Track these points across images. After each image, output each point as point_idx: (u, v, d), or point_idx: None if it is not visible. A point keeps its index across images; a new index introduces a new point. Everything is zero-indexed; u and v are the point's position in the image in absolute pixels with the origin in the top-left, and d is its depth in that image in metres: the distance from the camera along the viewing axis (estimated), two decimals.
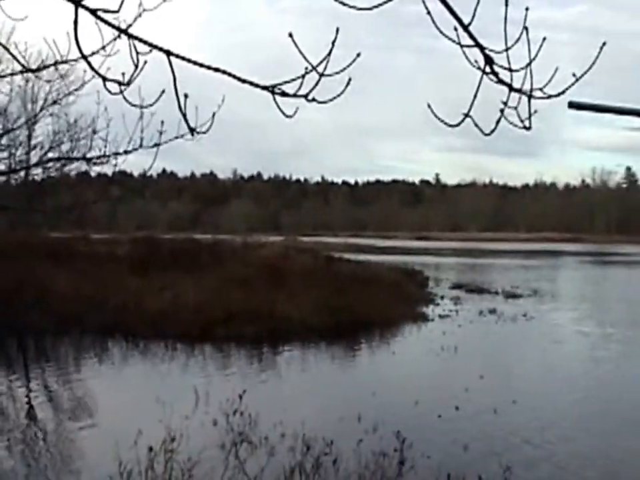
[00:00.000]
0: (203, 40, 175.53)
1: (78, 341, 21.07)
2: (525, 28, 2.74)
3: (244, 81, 2.89)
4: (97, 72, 3.06)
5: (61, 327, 21.31)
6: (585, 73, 2.82)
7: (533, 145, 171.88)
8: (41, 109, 34.34)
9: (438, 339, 20.82)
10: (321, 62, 2.78)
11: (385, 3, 2.69)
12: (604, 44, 2.83)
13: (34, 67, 5.26)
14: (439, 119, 2.97)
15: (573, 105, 3.77)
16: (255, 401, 11.71)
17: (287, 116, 2.92)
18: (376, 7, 2.70)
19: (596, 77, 3.15)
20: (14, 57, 4.30)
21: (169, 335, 20.43)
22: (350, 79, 2.87)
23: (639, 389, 15.91)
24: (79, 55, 2.94)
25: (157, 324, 20.88)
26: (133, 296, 22.71)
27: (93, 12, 2.83)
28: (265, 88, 2.90)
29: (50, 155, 29.70)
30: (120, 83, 3.09)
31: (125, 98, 3.12)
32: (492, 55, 2.82)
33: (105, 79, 3.06)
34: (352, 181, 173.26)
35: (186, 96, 2.98)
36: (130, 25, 3.00)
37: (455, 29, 2.75)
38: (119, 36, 3.18)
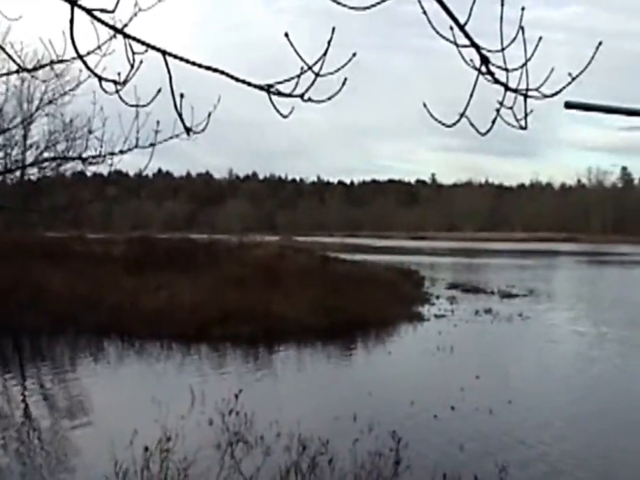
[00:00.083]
0: (199, 39, 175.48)
1: (73, 341, 21.06)
2: (521, 28, 2.74)
3: (240, 81, 2.89)
4: (92, 72, 3.06)
5: (57, 327, 21.28)
6: (581, 72, 2.82)
7: (528, 144, 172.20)
8: (37, 109, 34.34)
9: (434, 339, 20.83)
10: (317, 62, 2.78)
11: (381, 2, 2.69)
12: (600, 44, 2.83)
13: (30, 66, 5.24)
14: (435, 118, 2.97)
15: (569, 105, 3.78)
16: (250, 401, 11.69)
17: (283, 116, 2.92)
18: (372, 6, 2.70)
19: (592, 76, 3.15)
20: (9, 57, 4.28)
21: (165, 334, 20.41)
22: (346, 79, 2.86)
23: (634, 389, 15.93)
24: (75, 55, 2.93)
25: (153, 324, 20.86)
26: (129, 296, 22.69)
27: (89, 11, 2.83)
28: (260, 87, 2.89)
29: (45, 154, 29.78)
30: (116, 83, 3.09)
31: (120, 98, 3.12)
32: (488, 54, 2.83)
33: (100, 79, 3.06)
34: (348, 181, 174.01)
35: (182, 96, 2.98)
36: (126, 25, 3.00)
37: (451, 29, 2.75)
38: (114, 35, 3.18)
